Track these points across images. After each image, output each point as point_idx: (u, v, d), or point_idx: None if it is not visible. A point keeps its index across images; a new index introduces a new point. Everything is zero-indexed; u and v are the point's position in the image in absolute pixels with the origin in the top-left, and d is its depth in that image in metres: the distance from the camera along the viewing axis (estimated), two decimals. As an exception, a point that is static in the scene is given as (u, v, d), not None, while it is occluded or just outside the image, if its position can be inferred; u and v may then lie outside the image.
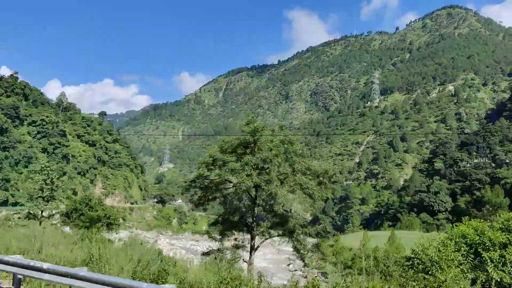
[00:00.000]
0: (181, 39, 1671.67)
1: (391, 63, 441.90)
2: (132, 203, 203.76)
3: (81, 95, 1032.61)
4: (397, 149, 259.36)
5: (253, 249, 28.77)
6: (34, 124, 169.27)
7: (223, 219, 31.24)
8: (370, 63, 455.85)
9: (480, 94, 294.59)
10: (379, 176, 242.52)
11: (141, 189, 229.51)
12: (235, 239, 31.24)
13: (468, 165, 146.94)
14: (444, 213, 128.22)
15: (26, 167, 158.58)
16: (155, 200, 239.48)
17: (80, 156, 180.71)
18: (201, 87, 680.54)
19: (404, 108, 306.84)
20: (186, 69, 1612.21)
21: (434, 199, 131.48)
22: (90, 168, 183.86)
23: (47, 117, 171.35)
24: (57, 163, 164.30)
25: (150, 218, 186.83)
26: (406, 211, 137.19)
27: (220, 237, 30.25)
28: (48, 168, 41.44)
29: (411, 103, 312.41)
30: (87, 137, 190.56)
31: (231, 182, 31.37)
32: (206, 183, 30.46)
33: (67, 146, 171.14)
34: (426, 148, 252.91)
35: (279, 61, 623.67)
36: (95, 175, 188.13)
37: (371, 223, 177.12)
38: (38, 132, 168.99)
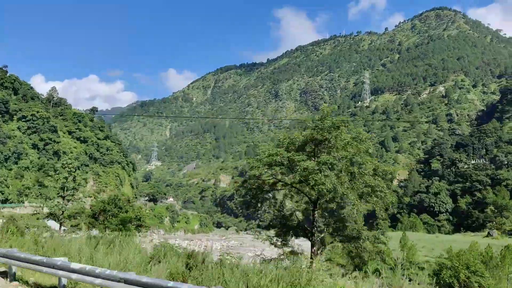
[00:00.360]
0: (168, 36, 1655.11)
1: (381, 63, 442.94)
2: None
3: (65, 90, 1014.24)
4: (389, 149, 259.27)
5: (314, 256, 26.32)
6: (24, 119, 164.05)
7: (280, 224, 28.74)
8: (360, 63, 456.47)
9: (470, 95, 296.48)
10: None
11: (132, 187, 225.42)
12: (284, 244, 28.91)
13: (466, 166, 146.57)
14: (445, 214, 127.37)
15: (16, 163, 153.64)
16: (147, 198, 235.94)
17: (71, 152, 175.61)
18: (189, 84, 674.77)
19: (395, 108, 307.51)
20: (173, 66, 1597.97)
21: (435, 200, 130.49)
22: (81, 165, 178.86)
23: (38, 112, 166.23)
24: (48, 160, 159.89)
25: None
26: (405, 212, 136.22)
27: (281, 242, 27.80)
28: (70, 165, 38.32)
29: (402, 104, 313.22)
30: (78, 133, 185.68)
31: (285, 183, 29.00)
32: (256, 184, 28.03)
33: (58, 142, 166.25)
34: (418, 148, 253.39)
35: (268, 59, 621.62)
36: (87, 172, 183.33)
37: (366, 223, 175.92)
38: (28, 128, 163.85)
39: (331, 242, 28.57)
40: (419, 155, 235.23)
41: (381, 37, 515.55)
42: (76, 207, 37.68)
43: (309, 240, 27.05)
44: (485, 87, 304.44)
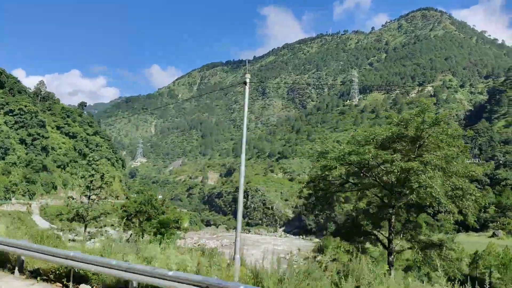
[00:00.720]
0: (152, 32, 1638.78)
1: (368, 63, 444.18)
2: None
3: (47, 85, 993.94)
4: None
5: (391, 266, 23.68)
6: (11, 114, 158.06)
7: (350, 227, 26.13)
8: (347, 62, 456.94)
9: (458, 95, 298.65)
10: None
11: (122, 184, 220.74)
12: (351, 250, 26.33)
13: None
14: (443, 213, 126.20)
15: (3, 159, 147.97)
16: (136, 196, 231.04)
17: (60, 148, 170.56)
18: (174, 81, 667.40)
19: (384, 107, 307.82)
20: (157, 63, 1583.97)
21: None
22: (70, 161, 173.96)
23: (26, 106, 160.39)
24: (36, 156, 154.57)
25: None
26: (403, 211, 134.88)
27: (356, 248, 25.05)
28: (97, 161, 35.07)
29: (390, 102, 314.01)
30: (67, 129, 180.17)
31: (355, 184, 26.40)
32: (322, 185, 25.40)
33: (46, 137, 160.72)
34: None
35: (254, 57, 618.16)
36: (76, 168, 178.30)
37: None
38: (16, 122, 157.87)
39: (409, 248, 25.93)
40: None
41: (368, 36, 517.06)
42: (103, 208, 34.35)
43: (385, 248, 24.44)
44: (473, 87, 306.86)
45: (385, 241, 24.84)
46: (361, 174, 25.14)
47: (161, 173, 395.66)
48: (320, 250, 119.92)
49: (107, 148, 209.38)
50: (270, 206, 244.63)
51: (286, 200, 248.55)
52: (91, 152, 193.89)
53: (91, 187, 33.97)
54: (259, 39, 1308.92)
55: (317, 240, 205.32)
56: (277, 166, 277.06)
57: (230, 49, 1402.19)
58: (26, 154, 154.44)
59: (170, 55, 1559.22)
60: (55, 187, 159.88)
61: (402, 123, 23.54)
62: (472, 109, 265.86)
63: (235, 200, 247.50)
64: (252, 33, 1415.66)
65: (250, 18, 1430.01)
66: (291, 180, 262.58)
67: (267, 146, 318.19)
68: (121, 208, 32.96)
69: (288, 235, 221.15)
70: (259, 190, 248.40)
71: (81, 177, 34.33)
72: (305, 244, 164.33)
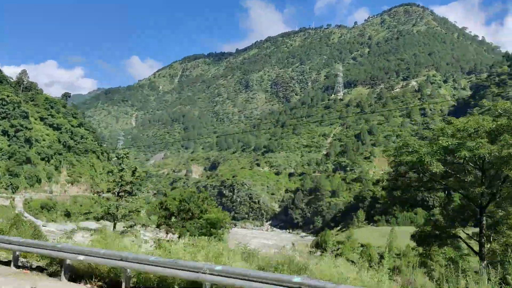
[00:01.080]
0: (132, 22, 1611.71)
1: (351, 57, 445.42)
2: (98, 193, 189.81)
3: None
4: (365, 142, 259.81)
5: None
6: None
7: (432, 230, 24.09)
8: (331, 56, 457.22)
9: (442, 90, 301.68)
10: (348, 169, 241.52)
11: (107, 178, 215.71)
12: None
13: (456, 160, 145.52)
14: (438, 208, 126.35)
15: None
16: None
17: (44, 140, 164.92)
18: (155, 72, 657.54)
19: (369, 101, 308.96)
20: (136, 54, 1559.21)
21: (429, 193, 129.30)
22: (54, 153, 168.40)
23: (8, 96, 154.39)
24: (19, 148, 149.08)
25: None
26: (398, 205, 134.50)
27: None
28: (127, 155, 32.15)
29: (375, 97, 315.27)
30: (50, 120, 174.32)
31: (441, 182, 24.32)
32: (407, 182, 23.34)
33: (30, 129, 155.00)
34: (393, 142, 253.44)
35: (237, 49, 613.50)
36: (60, 161, 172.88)
37: (347, 216, 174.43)
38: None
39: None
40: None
41: (351, 30, 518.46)
42: (134, 205, 31.57)
43: (476, 254, 22.53)
44: (456, 82, 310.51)
45: (473, 245, 23.02)
46: (464, 172, 23.10)
47: (143, 166, 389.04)
48: (319, 245, 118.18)
49: (92, 140, 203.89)
50: (256, 200, 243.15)
51: (272, 194, 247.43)
52: (76, 144, 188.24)
53: (120, 183, 31.12)
54: (242, 32, 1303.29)
55: (304, 233, 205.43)
56: (263, 160, 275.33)
57: (212, 41, 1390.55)
58: (9, 146, 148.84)
59: (150, 46, 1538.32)
60: (39, 180, 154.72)
61: (507, 114, 21.61)
62: (456, 104, 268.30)
63: (221, 194, 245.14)
64: (234, 25, 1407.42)
65: (232, 10, 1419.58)
66: (277, 174, 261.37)
67: (252, 140, 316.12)
68: (160, 206, 30.11)
69: (274, 229, 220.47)
70: (245, 184, 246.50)
71: (108, 172, 31.44)
72: (294, 239, 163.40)
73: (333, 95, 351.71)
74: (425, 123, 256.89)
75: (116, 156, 32.44)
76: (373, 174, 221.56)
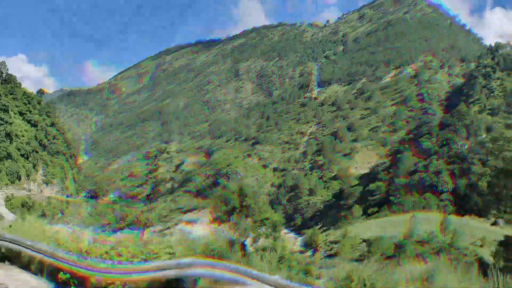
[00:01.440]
0: (96, 17, 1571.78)
1: (324, 55, 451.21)
2: (67, 196, 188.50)
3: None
4: (343, 139, 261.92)
5: None
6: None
7: None
8: (304, 54, 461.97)
9: (439, 76, 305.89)
10: (325, 168, 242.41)
11: (75, 181, 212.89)
12: None
13: (461, 146, 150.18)
14: (446, 194, 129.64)
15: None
16: (88, 194, 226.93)
17: (23, 136, 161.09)
18: (116, 75, 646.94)
19: (347, 98, 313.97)
20: (98, 54, 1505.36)
21: (437, 178, 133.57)
22: (32, 151, 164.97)
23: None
24: (0, 142, 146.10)
25: (84, 213, 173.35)
26: (402, 193, 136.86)
27: None
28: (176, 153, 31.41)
29: (355, 93, 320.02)
30: (29, 116, 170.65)
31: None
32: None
33: (10, 123, 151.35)
34: (383, 132, 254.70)
35: (227, 37, 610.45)
36: (37, 159, 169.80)
37: (326, 214, 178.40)
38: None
39: None
40: (385, 139, 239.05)
41: (324, 29, 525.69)
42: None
43: None
44: (451, 69, 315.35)
45: None
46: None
47: (104, 171, 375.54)
48: (308, 244, 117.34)
49: (62, 142, 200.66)
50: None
51: (260, 187, 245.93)
52: (50, 144, 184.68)
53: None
54: (228, 21, 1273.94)
55: (285, 230, 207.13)
56: (253, 151, 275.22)
57: (198, 30, 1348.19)
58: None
59: (112, 48, 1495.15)
60: (19, 178, 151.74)
61: None
62: (451, 91, 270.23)
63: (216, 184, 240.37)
64: (222, 14, 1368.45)
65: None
66: (264, 166, 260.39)
67: (244, 129, 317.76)
68: (219, 200, 28.42)
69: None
70: (239, 174, 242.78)
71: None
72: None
73: (308, 93, 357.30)
74: (423, 109, 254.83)
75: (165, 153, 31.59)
76: (355, 169, 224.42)
